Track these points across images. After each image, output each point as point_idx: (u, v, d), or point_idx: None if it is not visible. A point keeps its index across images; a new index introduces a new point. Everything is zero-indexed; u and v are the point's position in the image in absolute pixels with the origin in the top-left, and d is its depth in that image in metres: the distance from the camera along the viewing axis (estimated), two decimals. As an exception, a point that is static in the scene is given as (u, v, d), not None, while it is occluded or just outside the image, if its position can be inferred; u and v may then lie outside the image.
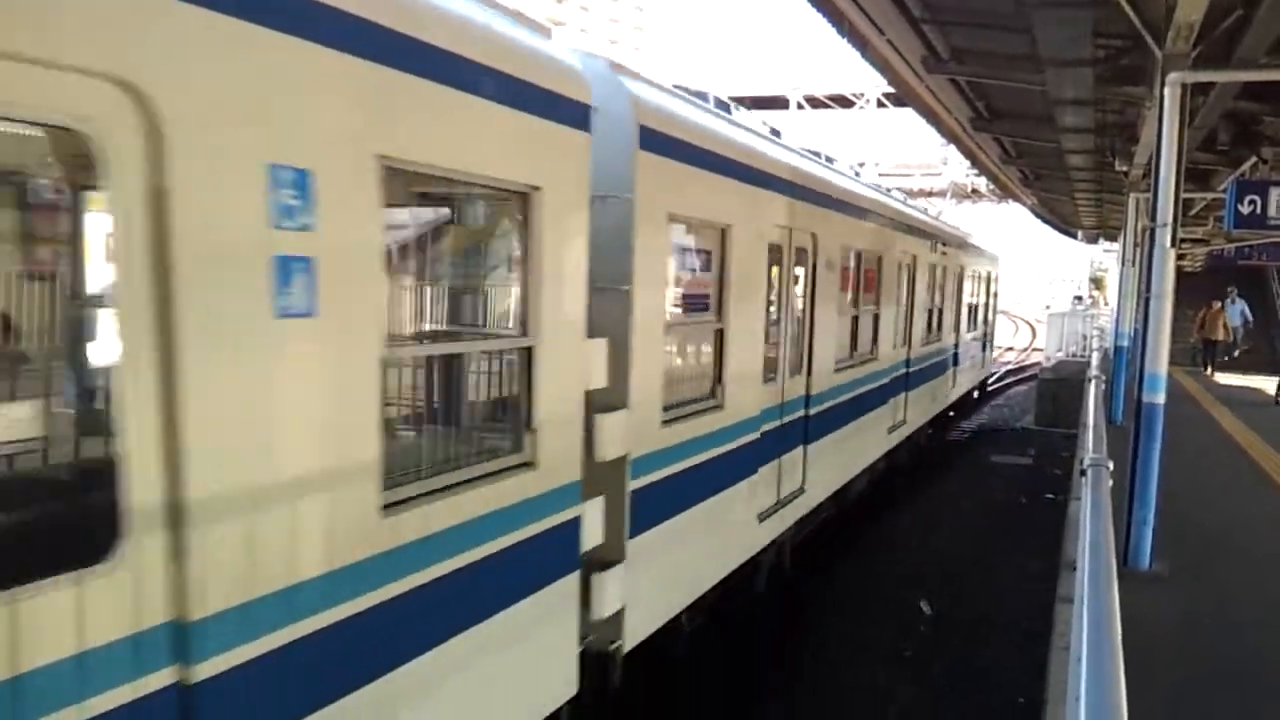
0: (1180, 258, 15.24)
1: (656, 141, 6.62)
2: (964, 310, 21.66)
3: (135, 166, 3.05)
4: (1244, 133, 14.11)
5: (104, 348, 3.38)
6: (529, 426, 5.29)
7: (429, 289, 5.49)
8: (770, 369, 9.26)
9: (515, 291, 5.39)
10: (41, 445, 3.91)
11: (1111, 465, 6.23)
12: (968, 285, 21.91)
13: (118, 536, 3.04)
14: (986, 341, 26.85)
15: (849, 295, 12.15)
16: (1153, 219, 8.99)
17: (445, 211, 5.43)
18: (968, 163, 29.43)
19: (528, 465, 5.26)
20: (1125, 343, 19.12)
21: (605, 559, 6.23)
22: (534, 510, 5.31)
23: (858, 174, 15.35)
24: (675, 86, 7.98)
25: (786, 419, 9.69)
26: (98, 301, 3.69)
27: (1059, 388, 25.48)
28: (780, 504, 9.58)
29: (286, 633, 3.66)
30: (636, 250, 6.39)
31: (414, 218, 5.15)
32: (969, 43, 13.07)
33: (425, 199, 5.24)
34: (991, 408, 29.17)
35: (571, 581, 5.74)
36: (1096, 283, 70.57)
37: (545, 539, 5.42)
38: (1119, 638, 2.76)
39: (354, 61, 3.89)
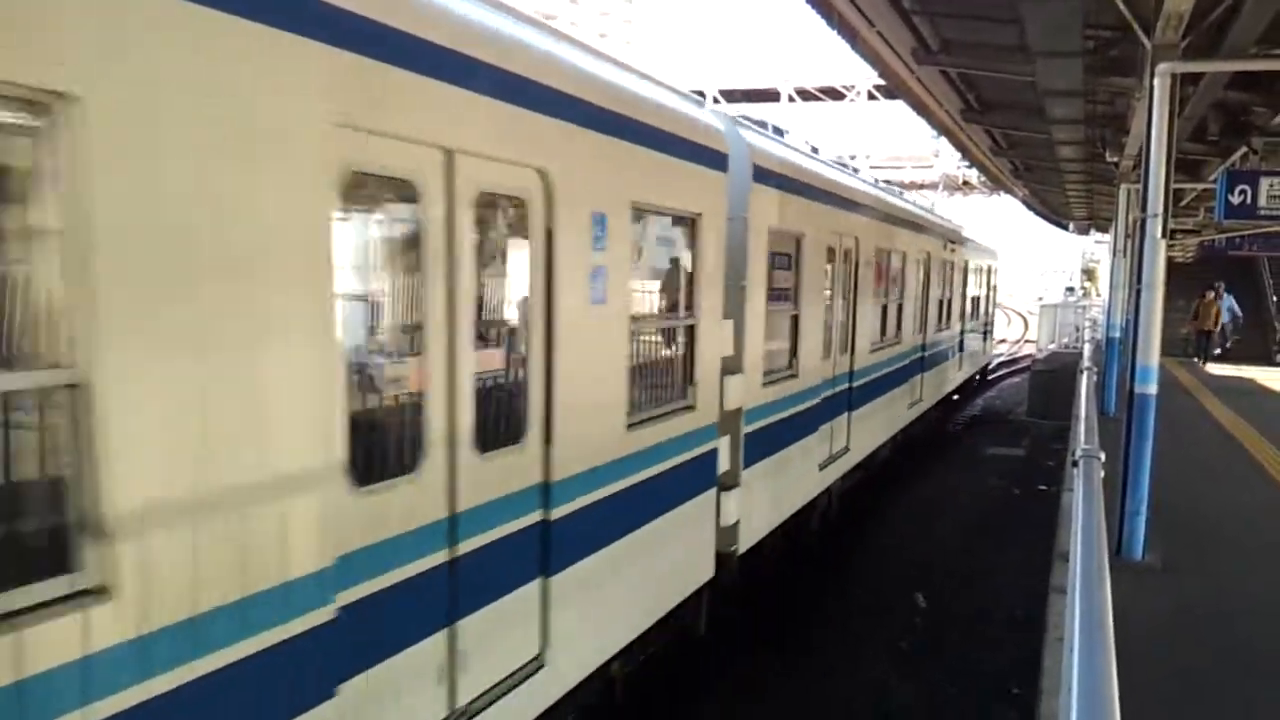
0: (1171, 249, 15.27)
1: (762, 175, 8.98)
2: (969, 302, 23.86)
3: (539, 216, 5.45)
4: (1234, 123, 14.12)
5: (514, 322, 5.64)
6: (692, 381, 7.62)
7: (639, 283, 7.35)
8: (827, 348, 11.43)
9: (683, 284, 7.67)
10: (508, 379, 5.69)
11: (1103, 456, 6.24)
12: (971, 279, 24.23)
13: (523, 430, 5.44)
14: (987, 330, 29.48)
15: (881, 288, 14.35)
16: (1143, 210, 9.01)
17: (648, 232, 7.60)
18: (959, 155, 29.44)
19: (691, 408, 7.56)
20: (1117, 334, 19.15)
21: (728, 483, 8.45)
22: (694, 440, 7.63)
23: (877, 183, 17.49)
24: (744, 118, 10.08)
25: (836, 389, 11.95)
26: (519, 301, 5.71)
27: (1051, 379, 25.56)
28: (832, 458, 11.91)
29: (592, 495, 6.10)
30: (749, 256, 8.72)
31: (639, 239, 7.15)
32: (959, 34, 13.05)
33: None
34: (985, 399, 29.21)
35: (711, 495, 8.09)
36: (1088, 274, 70.70)
37: (699, 462, 7.74)
38: (1110, 628, 2.76)
39: (627, 145, 6.46)
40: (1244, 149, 14.30)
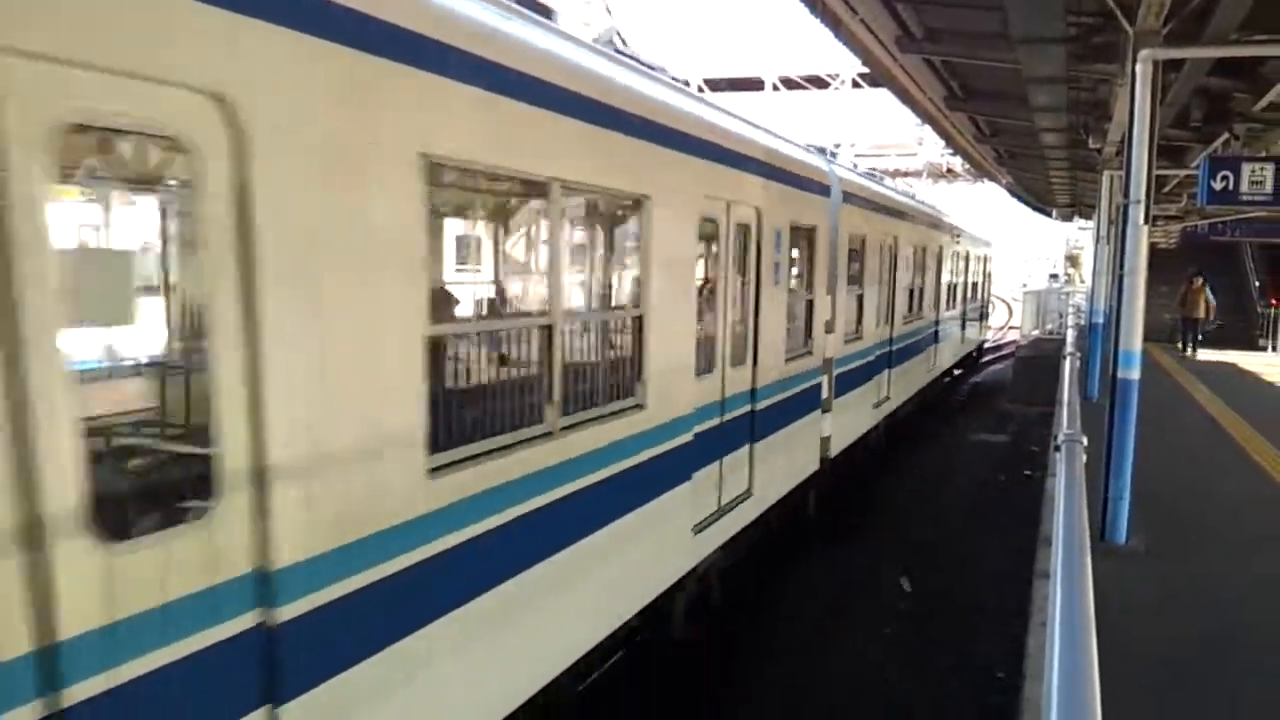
0: (1154, 234, 15.33)
1: (847, 197, 12.55)
2: (970, 285, 27.85)
3: (754, 234, 8.94)
4: (1216, 109, 14.16)
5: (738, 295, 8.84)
6: (809, 335, 11.16)
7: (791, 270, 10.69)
8: (878, 319, 15.05)
9: (807, 271, 11.21)
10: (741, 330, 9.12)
11: (1086, 441, 6.27)
12: (972, 266, 28.01)
13: (745, 357, 8.97)
14: (985, 309, 34.78)
15: (910, 275, 17.76)
16: (1126, 196, 9.04)
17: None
18: (943, 143, 29.47)
19: (810, 354, 11.15)
20: (1100, 319, 19.22)
21: (825, 408, 11.97)
22: (813, 375, 11.32)
23: (913, 197, 21.01)
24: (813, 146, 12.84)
25: (881, 350, 15.43)
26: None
27: (1035, 365, 25.63)
28: (880, 402, 15.73)
29: (772, 399, 9.62)
30: (838, 253, 12.22)
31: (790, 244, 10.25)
32: (942, 22, 13.06)
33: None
34: (969, 386, 29.28)
35: (818, 413, 11.71)
36: (1072, 260, 70.87)
37: (814, 390, 11.40)
38: (1091, 612, 2.78)
39: (789, 189, 10.08)
40: (1226, 135, 14.35)
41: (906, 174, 40.17)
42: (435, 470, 4.66)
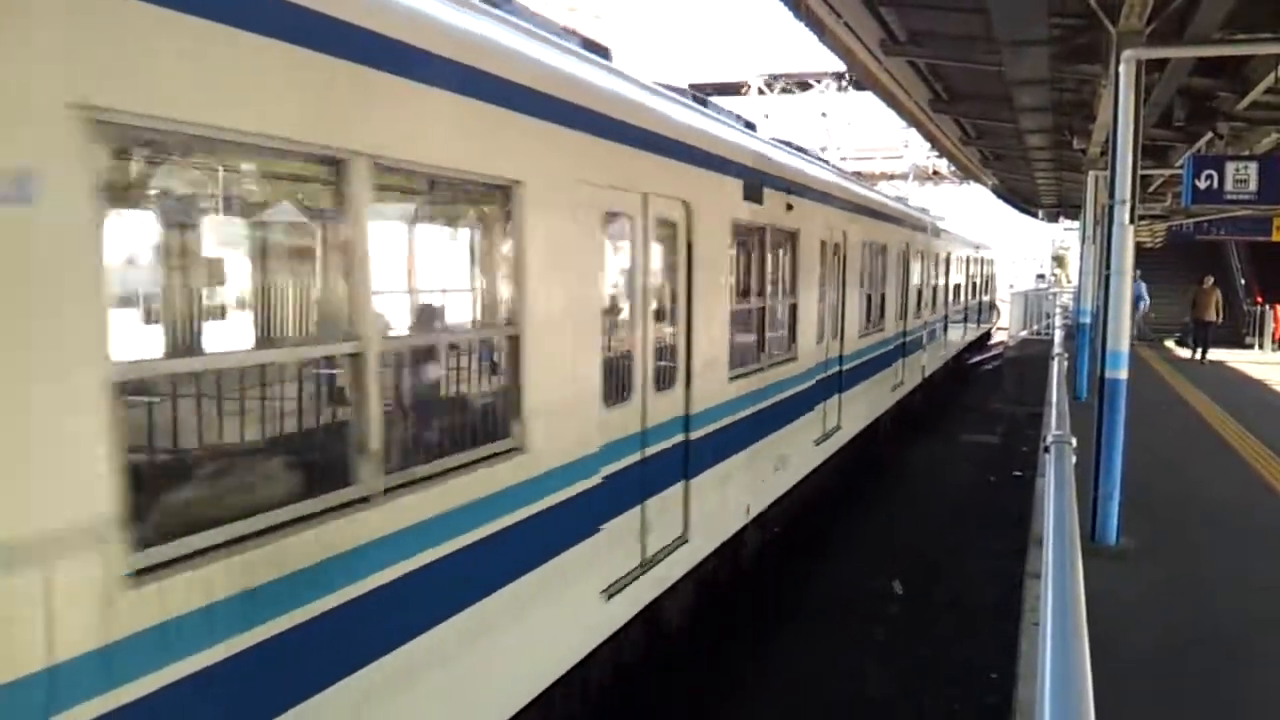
0: (1140, 234, 15.35)
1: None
2: (977, 286, 32.74)
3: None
4: (1199, 108, 14.25)
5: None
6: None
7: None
8: (901, 310, 17.31)
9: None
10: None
11: (1075, 441, 6.27)
12: (976, 269, 32.54)
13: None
14: (991, 306, 40.28)
15: (932, 280, 21.57)
16: (1111, 196, 9.06)
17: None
18: (929, 145, 29.56)
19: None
20: (1088, 320, 19.28)
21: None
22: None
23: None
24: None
25: (900, 339, 17.49)
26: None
27: (1024, 366, 25.68)
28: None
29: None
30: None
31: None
32: (926, 25, 13.11)
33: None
34: (958, 387, 29.31)
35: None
36: (1059, 261, 71.09)
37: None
38: (1083, 612, 2.77)
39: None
40: (1210, 134, 14.43)
41: (893, 177, 40.23)
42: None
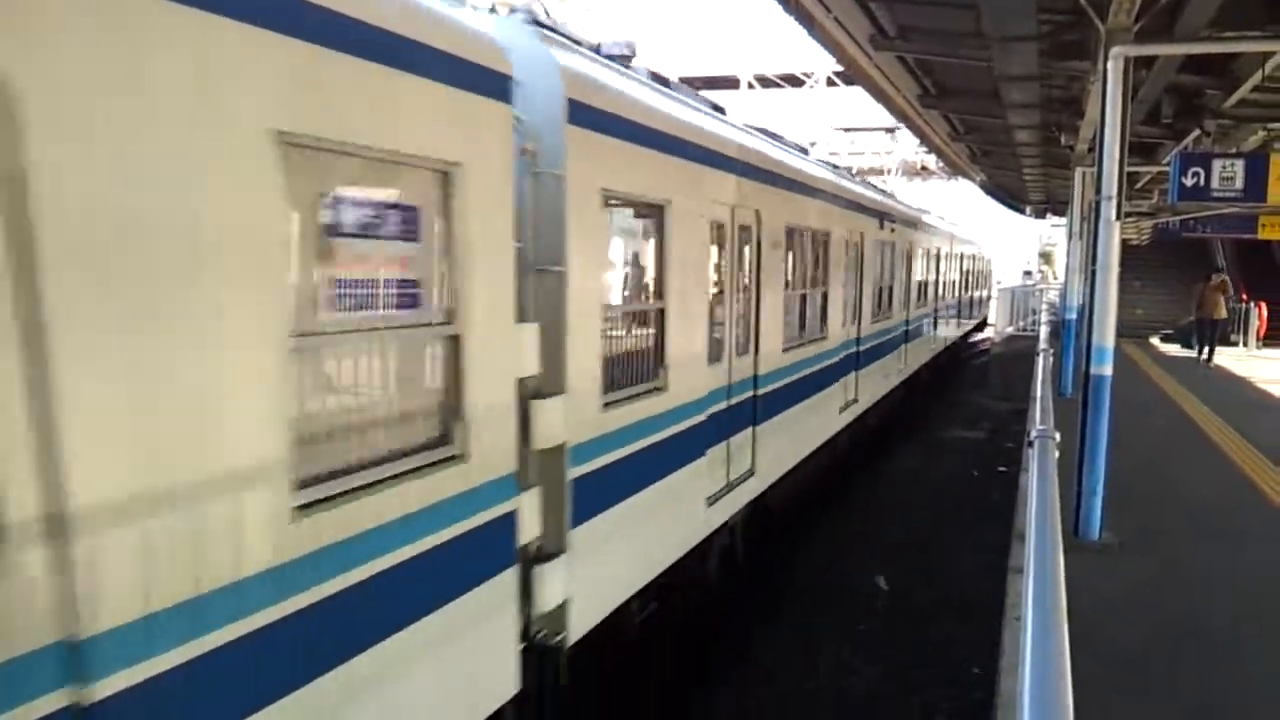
0: (1126, 231, 15.39)
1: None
2: (976, 280, 36.27)
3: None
4: (1187, 106, 14.28)
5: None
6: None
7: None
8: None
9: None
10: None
11: (1058, 436, 6.29)
12: (976, 266, 36.05)
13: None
14: (987, 296, 43.14)
15: (945, 275, 25.48)
16: (1098, 193, 9.08)
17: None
18: (917, 140, 29.57)
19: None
20: (1074, 316, 19.34)
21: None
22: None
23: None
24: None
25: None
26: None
27: (1009, 362, 25.76)
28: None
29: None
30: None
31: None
32: (916, 20, 13.10)
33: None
34: (943, 383, 29.39)
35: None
36: (1045, 257, 71.30)
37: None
38: (1064, 606, 2.78)
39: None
40: (1197, 131, 14.47)
41: (882, 171, 40.24)
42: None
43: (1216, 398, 18.01)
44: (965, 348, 35.39)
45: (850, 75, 18.04)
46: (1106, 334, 9.18)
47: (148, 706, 3.11)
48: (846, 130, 35.45)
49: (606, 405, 6.45)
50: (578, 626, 6.10)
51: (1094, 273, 9.35)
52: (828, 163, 14.11)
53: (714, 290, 8.51)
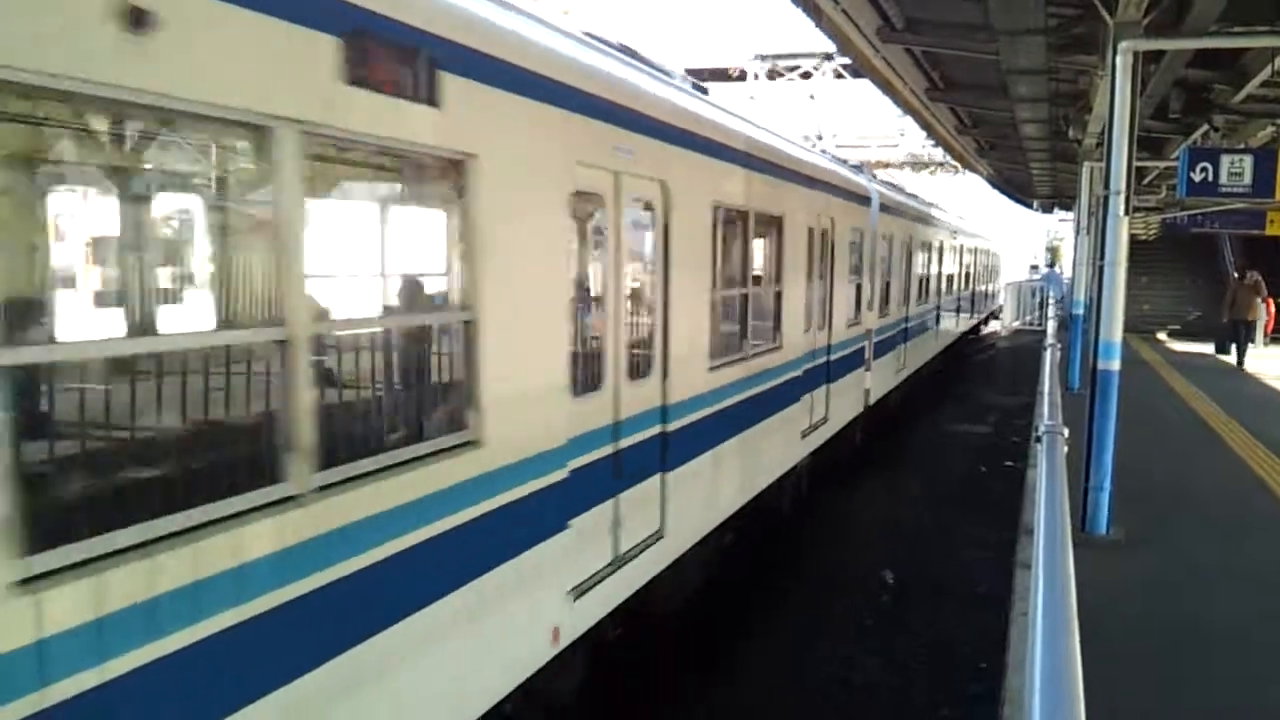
0: (1134, 226, 15.31)
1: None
2: (987, 272, 38.86)
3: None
4: (1195, 100, 14.24)
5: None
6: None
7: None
8: (949, 287, 25.46)
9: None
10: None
11: (1066, 432, 6.28)
12: (984, 259, 37.78)
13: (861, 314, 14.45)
14: (996, 288, 45.62)
15: (967, 268, 29.82)
16: (1106, 187, 9.06)
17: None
18: (924, 134, 29.51)
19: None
20: (1081, 311, 19.30)
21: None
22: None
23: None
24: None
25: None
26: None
27: (1016, 356, 25.72)
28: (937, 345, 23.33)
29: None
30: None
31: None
32: (923, 12, 13.07)
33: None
34: (951, 377, 29.35)
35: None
36: (1052, 252, 71.07)
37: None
38: (1074, 601, 2.77)
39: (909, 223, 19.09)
40: (1205, 126, 14.42)
41: (888, 165, 40.20)
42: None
43: (1224, 393, 17.97)
44: (972, 342, 35.55)
45: (857, 68, 17.98)
46: (1114, 329, 9.16)
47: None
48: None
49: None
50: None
51: (1101, 268, 9.32)
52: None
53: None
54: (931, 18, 13.17)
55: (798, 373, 11.18)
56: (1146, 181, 22.59)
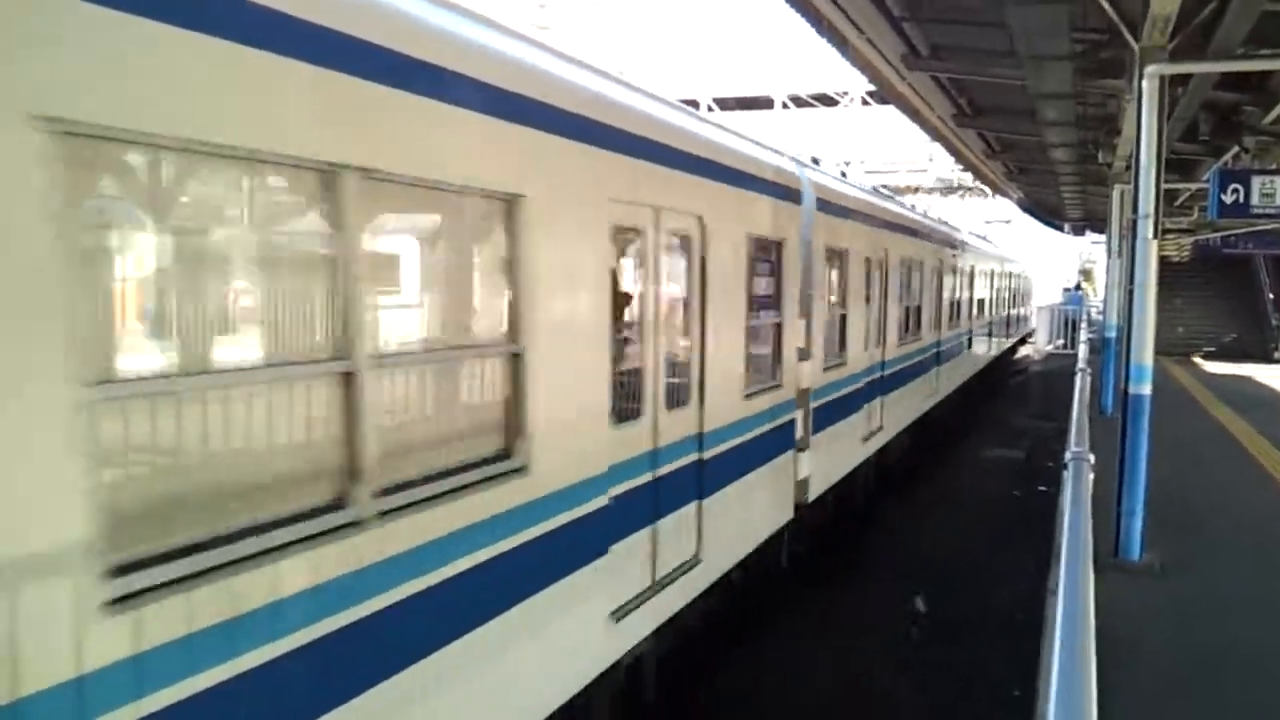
0: (1165, 248, 15.29)
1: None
2: (1015, 298, 37.85)
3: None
4: (1224, 123, 14.17)
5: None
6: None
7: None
8: (981, 310, 25.69)
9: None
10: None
11: (1093, 458, 6.26)
12: (1013, 283, 37.01)
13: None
14: (1026, 311, 45.38)
15: (997, 293, 29.74)
16: (1135, 210, 9.04)
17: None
18: (953, 159, 29.48)
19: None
20: (1114, 334, 19.16)
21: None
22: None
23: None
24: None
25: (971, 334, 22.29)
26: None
27: (1050, 380, 25.54)
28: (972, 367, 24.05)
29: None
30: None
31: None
32: (948, 39, 13.11)
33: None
34: (983, 401, 29.19)
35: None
36: (1085, 275, 70.62)
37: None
38: (1092, 627, 2.78)
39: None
40: (1235, 148, 14.35)
41: (917, 190, 40.15)
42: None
43: (1260, 415, 17.78)
44: (1005, 365, 35.15)
45: (884, 95, 18.04)
46: (1145, 352, 9.11)
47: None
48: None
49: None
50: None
51: (1131, 291, 9.29)
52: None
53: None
54: (957, 44, 13.21)
55: (1004, 317, 22.98)
56: (1178, 203, 22.45)
